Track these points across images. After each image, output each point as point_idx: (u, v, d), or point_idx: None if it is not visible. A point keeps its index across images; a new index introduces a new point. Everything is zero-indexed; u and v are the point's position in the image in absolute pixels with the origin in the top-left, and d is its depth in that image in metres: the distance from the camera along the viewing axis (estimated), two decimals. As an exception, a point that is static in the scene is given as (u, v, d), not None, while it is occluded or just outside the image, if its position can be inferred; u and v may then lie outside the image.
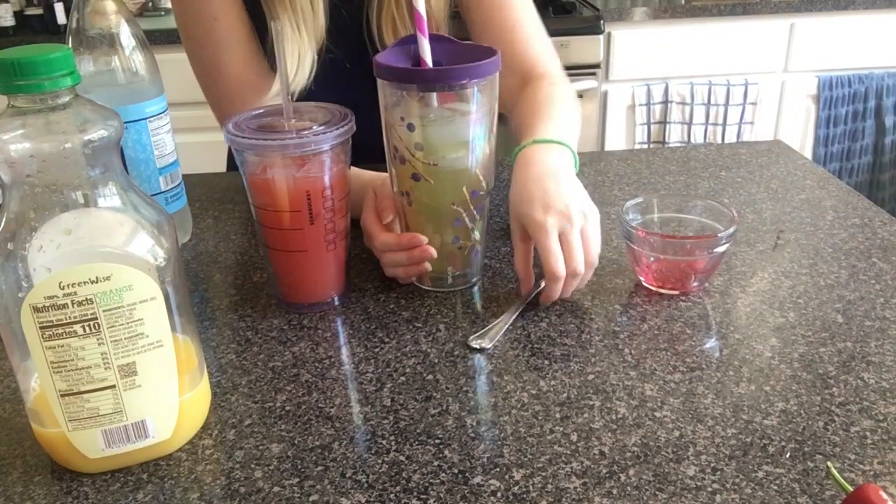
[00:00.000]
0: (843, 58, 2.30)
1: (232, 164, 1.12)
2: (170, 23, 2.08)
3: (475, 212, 0.68)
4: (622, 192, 0.91)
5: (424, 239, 0.67)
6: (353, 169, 0.76)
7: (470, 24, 0.93)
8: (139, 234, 0.47)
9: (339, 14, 0.89)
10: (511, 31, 0.89)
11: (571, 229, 0.64)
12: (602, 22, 2.17)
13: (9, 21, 2.24)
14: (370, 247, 0.73)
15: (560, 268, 0.63)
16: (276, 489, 0.49)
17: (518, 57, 0.89)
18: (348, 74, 0.89)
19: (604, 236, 0.69)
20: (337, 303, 0.69)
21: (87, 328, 0.46)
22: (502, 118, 0.74)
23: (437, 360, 0.61)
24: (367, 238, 0.72)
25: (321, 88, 0.85)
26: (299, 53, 0.83)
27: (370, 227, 0.71)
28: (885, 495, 0.42)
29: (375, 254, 0.72)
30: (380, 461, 0.51)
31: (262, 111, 0.68)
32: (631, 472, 0.49)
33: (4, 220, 0.45)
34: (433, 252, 0.67)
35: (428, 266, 0.68)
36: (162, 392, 0.50)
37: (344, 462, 0.51)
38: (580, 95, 2.18)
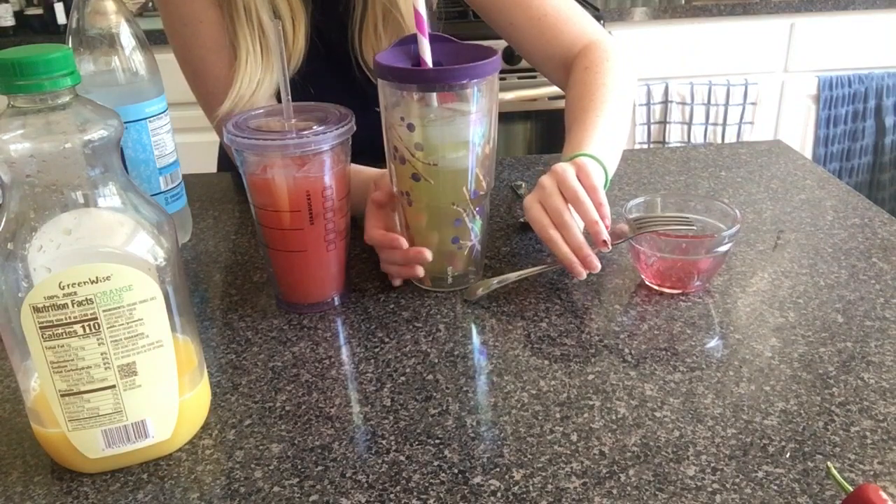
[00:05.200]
0: (843, 58, 2.30)
1: (222, 163, 1.12)
2: (170, 23, 2.06)
3: (475, 212, 0.68)
4: (622, 192, 0.91)
5: (405, 243, 0.67)
6: (353, 166, 0.76)
7: (495, 26, 0.89)
8: (139, 234, 0.47)
9: (325, 32, 0.89)
10: (539, 22, 0.85)
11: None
12: (602, 22, 2.17)
13: (9, 21, 2.24)
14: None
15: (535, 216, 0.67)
16: (276, 489, 0.49)
17: (554, 48, 0.85)
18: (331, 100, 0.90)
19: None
20: (337, 303, 0.69)
21: (87, 328, 0.46)
22: (502, 118, 0.74)
23: (437, 360, 0.61)
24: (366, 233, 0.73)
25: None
26: (258, 79, 0.82)
27: (367, 222, 0.71)
28: (885, 495, 0.42)
29: (377, 249, 0.72)
30: (380, 461, 0.51)
31: (261, 111, 0.68)
32: (631, 472, 0.49)
33: (4, 220, 0.45)
34: (428, 255, 0.67)
35: (420, 271, 0.68)
36: (162, 392, 0.50)
37: (344, 462, 0.51)
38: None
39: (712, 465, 0.49)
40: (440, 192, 0.66)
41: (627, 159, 1.02)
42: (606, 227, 0.66)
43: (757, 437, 0.51)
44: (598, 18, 2.17)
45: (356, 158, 0.68)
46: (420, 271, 0.68)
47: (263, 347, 0.64)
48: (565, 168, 0.67)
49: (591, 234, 0.66)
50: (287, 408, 0.56)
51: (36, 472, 0.51)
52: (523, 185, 0.93)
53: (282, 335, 0.65)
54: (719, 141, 2.35)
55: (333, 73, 0.91)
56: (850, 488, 0.43)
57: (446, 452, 0.51)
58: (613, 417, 0.54)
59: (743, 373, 0.58)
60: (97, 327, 0.46)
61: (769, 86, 2.31)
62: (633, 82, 0.84)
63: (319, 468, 0.50)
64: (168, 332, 0.49)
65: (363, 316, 0.68)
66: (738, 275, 0.72)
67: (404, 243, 0.68)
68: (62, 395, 0.47)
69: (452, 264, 0.71)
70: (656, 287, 0.70)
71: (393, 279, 0.72)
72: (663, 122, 2.34)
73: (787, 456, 0.50)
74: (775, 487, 0.47)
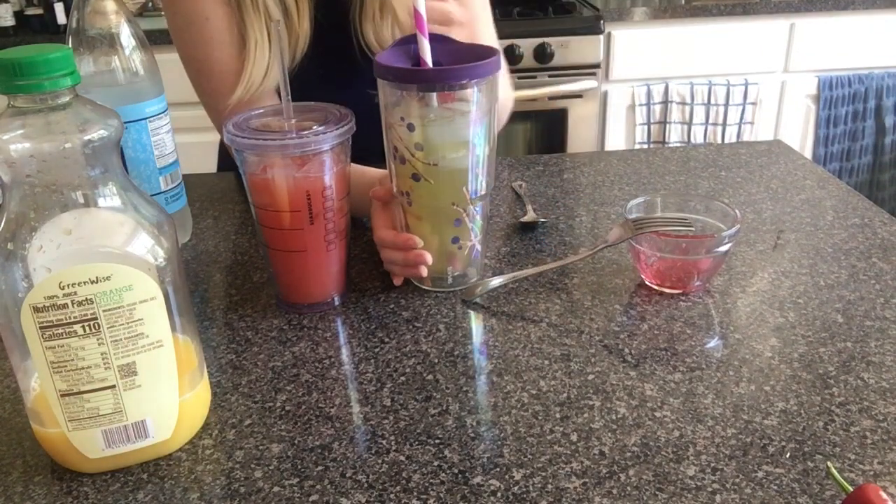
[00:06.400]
0: (843, 58, 2.30)
1: (222, 163, 1.12)
2: (170, 23, 2.05)
3: (475, 212, 0.68)
4: (622, 192, 0.91)
5: (420, 242, 0.67)
6: (357, 167, 0.76)
7: None
8: (139, 234, 0.47)
9: (328, 16, 0.89)
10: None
11: None
12: (602, 22, 2.16)
13: (9, 21, 2.24)
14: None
15: None
16: (276, 489, 0.49)
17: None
18: (333, 81, 0.89)
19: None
20: (337, 303, 0.69)
21: (87, 328, 0.46)
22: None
23: (437, 360, 0.61)
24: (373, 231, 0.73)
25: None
26: (267, 65, 0.83)
27: (373, 221, 0.71)
28: (885, 495, 0.42)
29: (378, 247, 0.72)
30: (380, 461, 0.51)
31: (261, 111, 0.68)
32: (631, 472, 0.49)
33: (4, 220, 0.45)
34: (428, 258, 0.67)
35: (423, 271, 0.68)
36: (162, 392, 0.50)
37: (344, 462, 0.51)
38: (579, 96, 2.19)
39: (712, 465, 0.49)
40: (440, 192, 0.66)
41: (627, 159, 1.02)
42: None
43: (757, 437, 0.51)
44: (597, 19, 2.17)
45: (361, 149, 0.68)
46: (423, 271, 0.68)
47: (263, 347, 0.64)
48: None
49: None
50: (287, 408, 0.56)
51: (36, 472, 0.51)
52: (523, 185, 0.93)
53: (282, 335, 0.65)
54: (719, 141, 2.35)
55: (338, 57, 0.92)
56: (850, 488, 0.43)
57: (446, 452, 0.51)
58: (613, 417, 0.54)
59: (743, 373, 0.58)
60: (97, 327, 0.46)
61: (769, 86, 2.31)
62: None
63: (319, 468, 0.50)
64: (168, 332, 0.49)
65: (363, 316, 0.68)
66: (738, 275, 0.72)
67: (419, 241, 0.67)
68: (62, 395, 0.47)
69: (452, 264, 0.71)
70: (656, 287, 0.70)
71: (394, 278, 0.72)
72: (663, 122, 2.34)
73: (787, 456, 0.50)
74: (775, 487, 0.47)
